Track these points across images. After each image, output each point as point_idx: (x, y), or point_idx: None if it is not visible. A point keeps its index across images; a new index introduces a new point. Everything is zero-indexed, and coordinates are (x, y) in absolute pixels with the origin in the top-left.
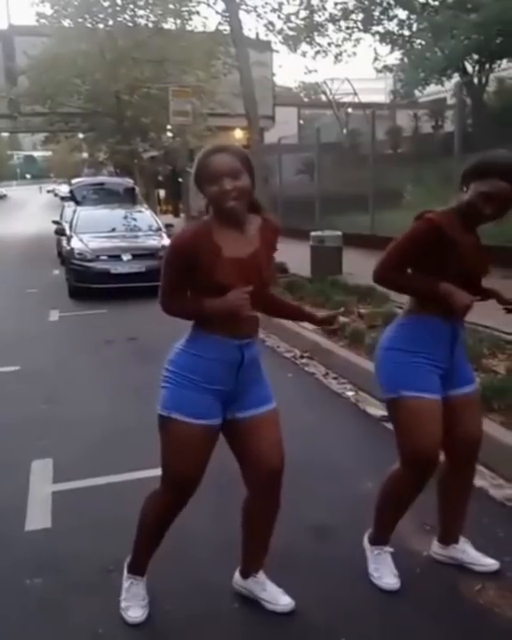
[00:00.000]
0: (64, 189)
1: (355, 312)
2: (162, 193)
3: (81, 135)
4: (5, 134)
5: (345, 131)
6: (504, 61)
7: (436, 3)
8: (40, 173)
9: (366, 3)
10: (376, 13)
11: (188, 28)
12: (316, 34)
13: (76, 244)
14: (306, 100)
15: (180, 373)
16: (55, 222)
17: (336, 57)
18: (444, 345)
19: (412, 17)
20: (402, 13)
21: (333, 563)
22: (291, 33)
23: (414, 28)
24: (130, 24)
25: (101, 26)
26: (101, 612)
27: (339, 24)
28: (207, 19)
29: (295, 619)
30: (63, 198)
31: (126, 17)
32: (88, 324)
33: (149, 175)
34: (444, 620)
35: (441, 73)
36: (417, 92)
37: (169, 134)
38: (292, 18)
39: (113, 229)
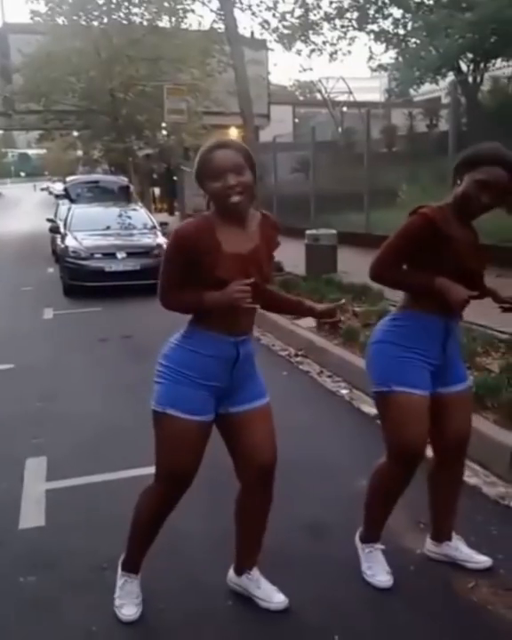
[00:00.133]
0: (58, 187)
1: (349, 310)
2: (157, 191)
3: (76, 133)
4: (0, 132)
5: (340, 129)
6: (499, 60)
7: (431, 2)
8: (35, 171)
9: (361, 1)
10: (371, 12)
11: (183, 26)
12: (310, 32)
13: (70, 241)
14: (301, 98)
15: (175, 369)
16: (49, 220)
17: (331, 55)
18: (436, 341)
19: (407, 16)
20: (397, 12)
21: (327, 561)
22: (286, 31)
23: (409, 26)
24: (124, 22)
25: (96, 24)
26: (95, 609)
27: (334, 22)
28: (202, 17)
29: (289, 616)
30: (58, 196)
31: (121, 15)
32: (82, 322)
33: (144, 173)
34: (438, 617)
35: (436, 72)
36: (412, 91)
37: (164, 132)
38: (287, 16)
39: (107, 227)
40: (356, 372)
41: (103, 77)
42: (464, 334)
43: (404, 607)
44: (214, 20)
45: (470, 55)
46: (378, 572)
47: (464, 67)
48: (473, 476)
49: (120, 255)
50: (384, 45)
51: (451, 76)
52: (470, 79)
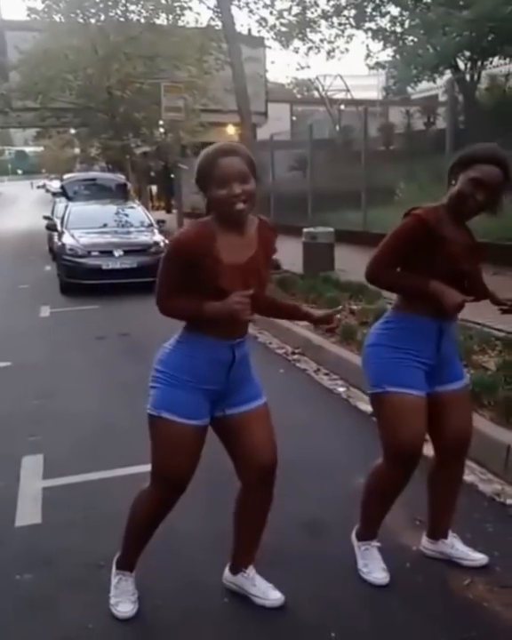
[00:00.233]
0: (55, 185)
1: (347, 308)
2: (154, 189)
3: (73, 130)
4: None
5: (337, 127)
6: (496, 58)
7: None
8: (32, 169)
9: None
10: (368, 10)
11: (180, 23)
12: (308, 30)
13: (67, 239)
14: (298, 96)
15: (170, 373)
16: (46, 218)
17: (328, 53)
18: (429, 342)
19: (405, 13)
20: (394, 10)
21: (324, 558)
22: (283, 29)
23: (406, 24)
24: (121, 19)
25: (93, 21)
26: (92, 607)
27: (331, 20)
28: (199, 14)
29: (285, 614)
30: (55, 194)
31: (118, 12)
32: (79, 320)
33: (142, 171)
34: (434, 614)
35: (433, 70)
36: (409, 89)
37: (161, 130)
38: (285, 14)
39: (104, 225)
40: (353, 370)
41: (100, 75)
42: (460, 332)
43: (400, 604)
44: (211, 18)
45: (468, 53)
46: (374, 569)
47: (461, 65)
48: (469, 473)
49: (117, 253)
50: (381, 43)
51: (448, 74)
52: (468, 77)
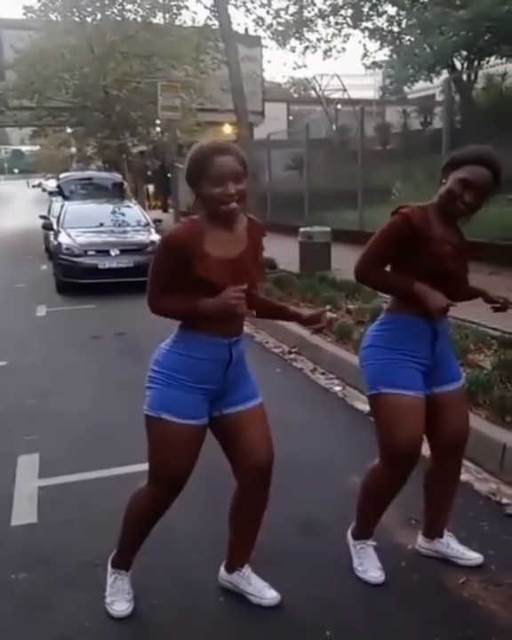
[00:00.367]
0: (51, 184)
1: (343, 308)
2: (151, 188)
3: (69, 130)
4: None
5: (334, 127)
6: (492, 58)
7: None
8: (28, 168)
9: None
10: (365, 9)
11: (177, 22)
12: (305, 29)
13: (63, 238)
14: (295, 95)
15: (167, 374)
16: (43, 217)
17: (325, 53)
18: (425, 342)
19: (402, 13)
20: (391, 9)
21: (320, 557)
22: (280, 28)
23: (403, 24)
24: (118, 18)
25: (89, 20)
26: (88, 606)
27: (328, 20)
28: (196, 13)
29: (281, 612)
30: (51, 193)
31: (114, 11)
32: (76, 320)
33: (138, 170)
34: (429, 613)
35: (430, 69)
36: (406, 89)
37: (158, 129)
38: (282, 13)
39: (101, 224)
40: (350, 369)
41: (97, 74)
42: (456, 332)
43: (396, 603)
44: (208, 17)
45: (464, 53)
46: (369, 567)
47: (458, 64)
48: (465, 472)
49: (113, 252)
50: (378, 43)
51: (445, 74)
52: (464, 77)
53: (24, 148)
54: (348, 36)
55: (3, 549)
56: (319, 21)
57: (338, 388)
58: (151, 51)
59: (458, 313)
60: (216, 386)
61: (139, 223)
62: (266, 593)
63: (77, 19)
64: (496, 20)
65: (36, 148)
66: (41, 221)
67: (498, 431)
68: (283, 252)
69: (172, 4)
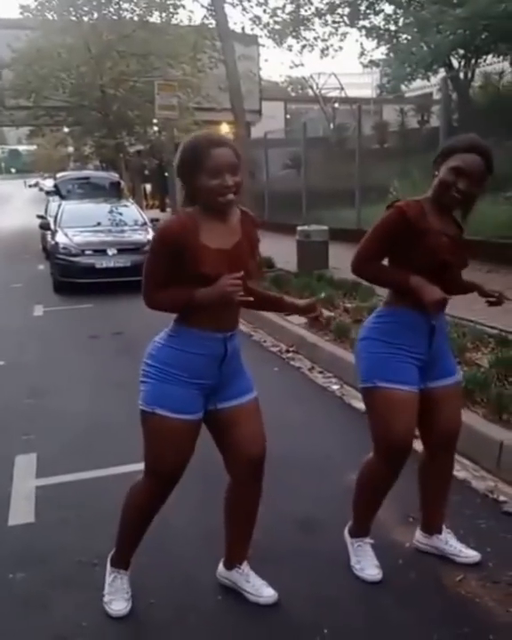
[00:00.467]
0: (48, 183)
1: (340, 306)
2: (148, 187)
3: (66, 129)
4: None
5: (331, 125)
6: (490, 56)
7: None
8: (25, 167)
9: None
10: (362, 8)
11: (174, 21)
12: (302, 28)
13: (60, 238)
14: (292, 94)
15: (162, 368)
16: (40, 217)
17: (322, 51)
18: (421, 336)
19: (399, 12)
20: (388, 8)
21: (318, 555)
22: (277, 27)
23: (400, 22)
24: (115, 17)
25: (86, 19)
26: (85, 605)
27: (325, 18)
28: (193, 12)
29: (278, 611)
30: (48, 192)
31: (111, 10)
32: (73, 319)
33: (135, 169)
34: (426, 610)
35: (427, 68)
36: (403, 87)
37: (155, 128)
38: (278, 12)
39: (98, 224)
40: (347, 368)
41: (93, 73)
42: (454, 329)
43: (393, 601)
44: (205, 16)
45: (461, 51)
46: (366, 565)
47: (455, 63)
48: (462, 469)
49: (111, 252)
50: (375, 41)
51: (442, 72)
52: (461, 75)
53: (21, 148)
54: (345, 34)
55: (0, 549)
56: (316, 20)
57: (336, 387)
58: (148, 50)
59: (455, 311)
60: (211, 381)
61: (136, 222)
62: (263, 591)
63: (74, 18)
64: (493, 18)
65: (33, 147)
66: (38, 221)
67: (495, 429)
68: (280, 250)
69: (169, 2)
